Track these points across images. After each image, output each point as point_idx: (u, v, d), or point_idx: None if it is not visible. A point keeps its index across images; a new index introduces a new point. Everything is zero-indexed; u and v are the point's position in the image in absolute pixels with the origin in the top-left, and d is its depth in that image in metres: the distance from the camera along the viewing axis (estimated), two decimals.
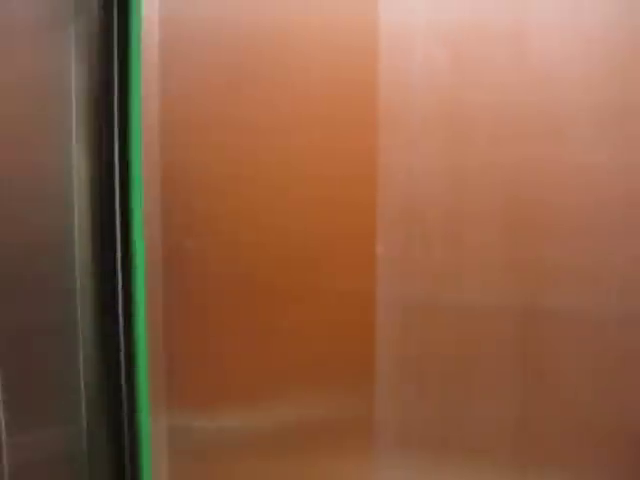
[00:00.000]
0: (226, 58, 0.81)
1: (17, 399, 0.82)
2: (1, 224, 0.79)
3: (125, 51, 0.83)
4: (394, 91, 0.78)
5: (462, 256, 0.78)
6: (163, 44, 0.82)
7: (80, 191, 0.84)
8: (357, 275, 0.81)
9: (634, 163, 0.73)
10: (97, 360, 0.88)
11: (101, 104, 0.84)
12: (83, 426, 0.88)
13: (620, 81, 0.72)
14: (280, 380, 0.85)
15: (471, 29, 0.74)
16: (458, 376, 0.80)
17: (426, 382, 0.81)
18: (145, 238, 0.85)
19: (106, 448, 0.90)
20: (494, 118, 0.75)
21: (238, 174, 0.83)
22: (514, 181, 0.76)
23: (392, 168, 0.79)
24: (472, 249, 0.77)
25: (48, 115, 0.81)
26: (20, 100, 0.79)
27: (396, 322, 0.81)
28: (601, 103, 0.73)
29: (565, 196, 0.75)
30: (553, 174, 0.74)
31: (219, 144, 0.83)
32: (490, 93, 0.75)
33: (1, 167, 0.78)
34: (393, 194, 0.79)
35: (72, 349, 0.86)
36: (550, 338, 0.77)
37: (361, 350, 0.82)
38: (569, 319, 0.76)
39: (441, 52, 0.75)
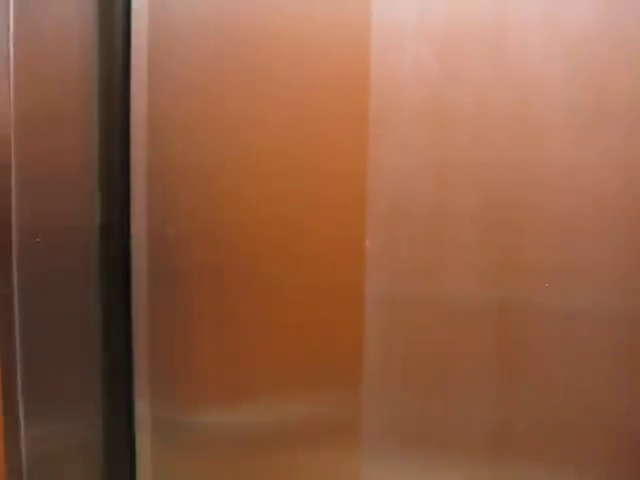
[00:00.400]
0: (216, 52, 0.82)
1: (38, 390, 0.83)
2: (28, 210, 0.80)
3: None
4: (385, 87, 0.78)
5: (448, 254, 0.78)
6: (152, 39, 0.83)
7: (101, 180, 0.85)
8: (346, 270, 0.81)
9: (618, 165, 0.73)
10: (114, 353, 0.89)
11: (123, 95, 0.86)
12: (100, 419, 0.88)
13: (603, 80, 0.72)
14: (266, 375, 0.85)
15: (459, 28, 0.75)
16: (443, 374, 0.80)
17: (412, 379, 0.81)
18: (132, 229, 0.86)
19: (122, 441, 0.90)
20: (480, 117, 0.76)
21: (228, 166, 0.83)
22: (499, 180, 0.76)
23: (382, 164, 0.79)
24: (457, 247, 0.78)
25: (73, 105, 0.82)
26: (48, 93, 0.81)
27: (383, 319, 0.81)
28: (584, 103, 0.73)
29: (549, 196, 0.75)
30: (536, 174, 0.75)
31: (208, 136, 0.83)
32: (476, 92, 0.76)
33: (30, 155, 0.80)
34: (382, 190, 0.79)
35: (90, 338, 0.86)
36: (534, 337, 0.77)
37: (349, 346, 0.82)
38: (553, 319, 0.77)
39: (430, 50, 0.76)
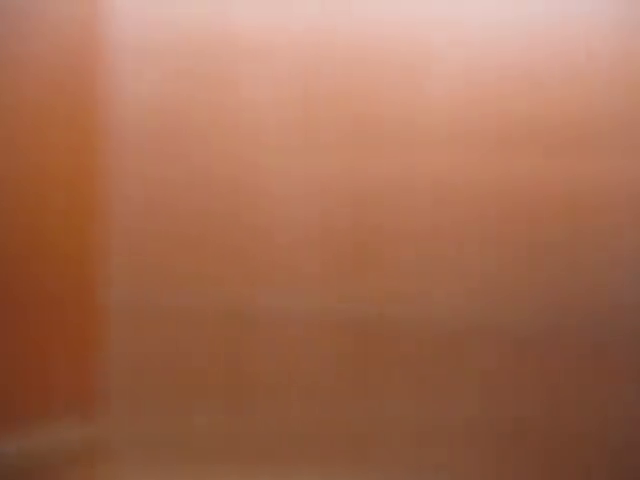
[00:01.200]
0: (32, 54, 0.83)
1: None
2: None
3: None
4: (110, 106, 0.78)
5: (187, 261, 0.78)
6: None
7: None
8: (87, 282, 0.79)
9: (509, 177, 0.70)
10: None
11: None
12: None
13: (479, 78, 0.67)
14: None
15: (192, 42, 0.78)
16: (186, 385, 0.79)
17: (159, 391, 0.80)
18: None
19: None
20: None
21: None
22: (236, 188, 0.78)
23: (120, 176, 0.79)
24: (211, 257, 0.78)
25: None
26: None
27: (126, 332, 0.79)
28: (454, 102, 0.67)
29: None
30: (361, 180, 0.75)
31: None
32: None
33: None
34: (122, 200, 0.79)
35: None
36: (261, 340, 0.78)
37: (94, 362, 0.81)
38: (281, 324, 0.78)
39: (157, 66, 0.77)
